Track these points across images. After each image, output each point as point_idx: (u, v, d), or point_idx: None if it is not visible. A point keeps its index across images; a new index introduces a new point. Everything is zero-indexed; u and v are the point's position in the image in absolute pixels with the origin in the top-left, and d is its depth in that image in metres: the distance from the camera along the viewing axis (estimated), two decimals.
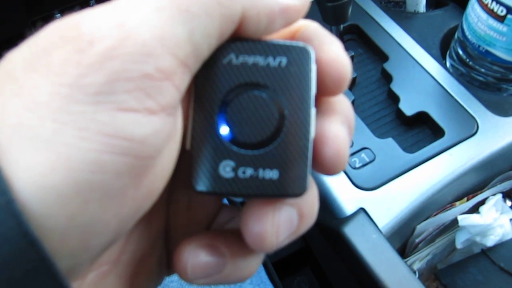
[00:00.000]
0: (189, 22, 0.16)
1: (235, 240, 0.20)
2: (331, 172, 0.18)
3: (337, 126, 0.19)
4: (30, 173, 0.13)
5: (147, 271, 0.21)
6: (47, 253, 0.13)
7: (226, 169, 0.18)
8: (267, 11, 0.17)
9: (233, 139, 0.18)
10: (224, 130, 0.18)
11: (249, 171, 0.18)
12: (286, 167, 0.18)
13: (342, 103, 0.20)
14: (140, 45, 0.15)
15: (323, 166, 0.18)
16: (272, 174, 0.18)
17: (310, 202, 0.19)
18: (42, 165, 0.13)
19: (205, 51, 0.17)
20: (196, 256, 0.19)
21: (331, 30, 0.51)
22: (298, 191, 0.18)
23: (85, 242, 0.15)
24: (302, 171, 0.18)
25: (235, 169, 0.18)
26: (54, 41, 0.15)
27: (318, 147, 0.18)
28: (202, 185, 0.18)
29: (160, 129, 0.15)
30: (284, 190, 0.18)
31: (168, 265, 0.23)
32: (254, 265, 0.21)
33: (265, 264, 0.60)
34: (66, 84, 0.14)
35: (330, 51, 0.18)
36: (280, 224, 0.18)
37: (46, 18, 0.63)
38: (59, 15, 0.65)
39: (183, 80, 0.16)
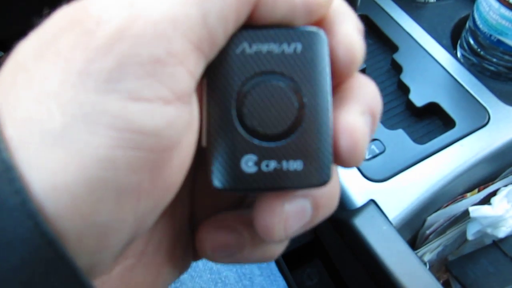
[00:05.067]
0: (203, 4, 0.15)
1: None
2: (346, 165, 0.18)
3: (354, 116, 0.17)
4: (41, 172, 0.13)
5: (173, 259, 0.21)
6: (66, 252, 0.13)
7: (248, 163, 0.17)
8: None
9: (253, 131, 0.17)
10: (243, 123, 0.17)
11: (273, 164, 0.17)
12: (310, 157, 0.17)
13: (363, 88, 0.18)
14: (150, 27, 0.14)
15: (338, 158, 0.17)
16: (296, 165, 0.17)
17: (327, 192, 0.19)
18: (54, 163, 0.13)
19: (221, 37, 0.16)
20: (214, 237, 0.19)
21: None
22: (323, 180, 0.17)
23: (103, 240, 0.14)
24: (326, 159, 0.17)
25: (258, 163, 0.17)
26: (63, 26, 0.14)
27: (333, 139, 0.17)
28: (224, 182, 0.17)
29: (175, 120, 0.15)
30: (309, 180, 0.17)
31: (194, 251, 0.23)
32: (278, 247, 0.21)
33: None
34: (75, 71, 0.13)
35: (340, 30, 0.17)
36: (289, 216, 0.18)
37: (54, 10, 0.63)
38: None
39: (197, 66, 0.15)
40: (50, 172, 0.13)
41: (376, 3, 0.59)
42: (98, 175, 0.13)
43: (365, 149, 0.17)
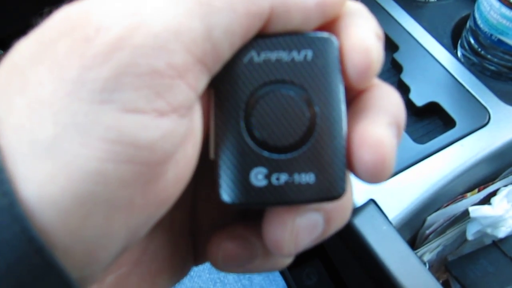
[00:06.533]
0: (209, 17, 0.14)
1: None
2: (372, 181, 0.16)
3: (381, 128, 0.16)
4: (28, 184, 0.12)
5: (171, 265, 0.20)
6: (56, 259, 0.12)
7: (258, 177, 0.16)
8: (300, 7, 0.16)
9: (263, 143, 0.16)
10: (252, 134, 0.16)
11: (284, 177, 0.16)
12: (322, 169, 0.16)
13: (388, 98, 0.17)
14: (151, 37, 0.13)
15: (363, 174, 0.16)
16: (308, 178, 0.16)
17: (340, 205, 0.18)
18: (41, 175, 0.12)
19: (227, 50, 0.15)
20: (226, 248, 0.19)
21: None
22: (337, 193, 0.16)
23: (91, 255, 0.14)
24: (339, 171, 0.16)
25: (268, 176, 0.16)
26: (62, 30, 0.14)
27: (358, 153, 0.16)
28: (233, 197, 0.16)
29: (170, 133, 0.14)
30: (322, 193, 0.16)
31: (195, 256, 0.22)
32: (288, 257, 0.20)
33: None
34: (69, 79, 0.13)
35: (354, 34, 0.16)
36: (299, 231, 0.17)
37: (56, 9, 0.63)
38: None
39: (199, 80, 0.15)
40: (36, 184, 0.12)
41: (376, 2, 0.59)
42: (88, 189, 0.13)
43: (393, 163, 0.16)
